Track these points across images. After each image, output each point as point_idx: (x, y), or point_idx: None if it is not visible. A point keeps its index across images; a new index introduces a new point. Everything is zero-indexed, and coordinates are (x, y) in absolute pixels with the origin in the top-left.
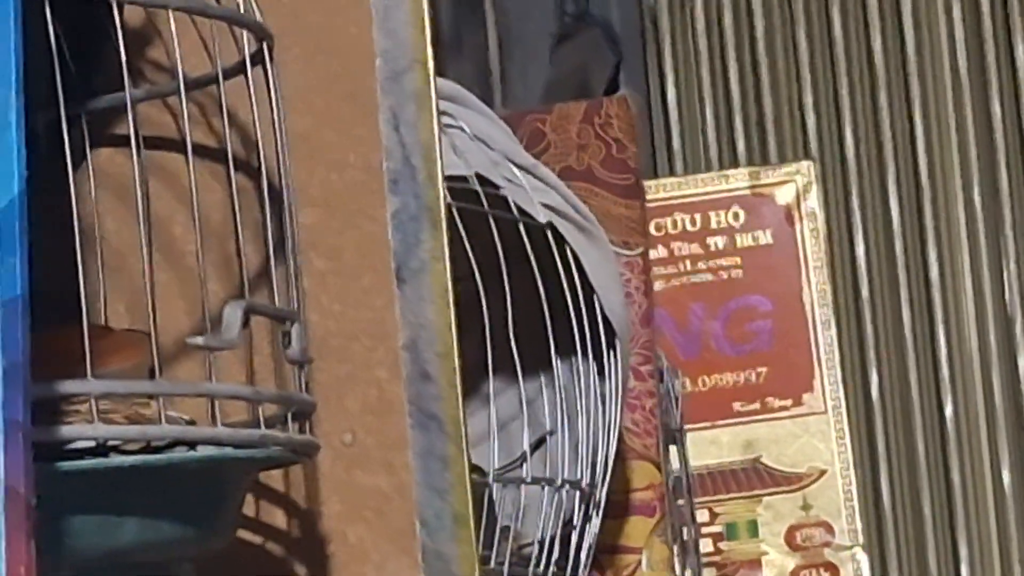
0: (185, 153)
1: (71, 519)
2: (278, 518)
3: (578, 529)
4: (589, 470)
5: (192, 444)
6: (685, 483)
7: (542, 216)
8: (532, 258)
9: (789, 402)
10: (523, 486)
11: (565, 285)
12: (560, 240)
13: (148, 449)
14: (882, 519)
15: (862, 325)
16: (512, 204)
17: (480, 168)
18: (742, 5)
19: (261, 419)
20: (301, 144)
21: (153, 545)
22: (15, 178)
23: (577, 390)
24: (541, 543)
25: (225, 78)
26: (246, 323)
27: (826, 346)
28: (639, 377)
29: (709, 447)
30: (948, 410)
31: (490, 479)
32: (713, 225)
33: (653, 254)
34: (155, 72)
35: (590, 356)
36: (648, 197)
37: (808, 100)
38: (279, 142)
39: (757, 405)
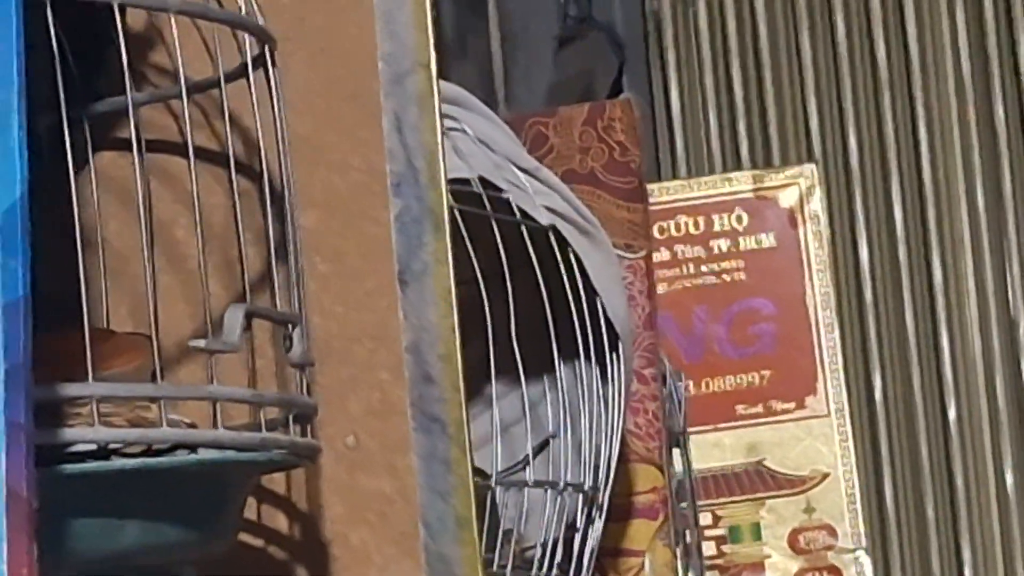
0: (187, 156)
1: (73, 522)
2: (280, 521)
3: (581, 532)
4: (592, 473)
5: (193, 447)
6: (688, 486)
7: (545, 219)
8: (535, 261)
9: (792, 405)
10: (526, 489)
11: (568, 288)
12: (563, 243)
13: (149, 452)
14: (885, 522)
15: (865, 328)
16: (515, 207)
17: (483, 171)
18: (745, 8)
19: (263, 422)
20: (304, 147)
21: (154, 548)
22: (17, 181)
23: (580, 393)
24: (544, 546)
25: (227, 81)
26: (248, 326)
27: (829, 349)
28: (642, 380)
29: (712, 450)
30: (951, 413)
31: (493, 482)
32: (716, 228)
33: (656, 257)
34: (157, 75)
35: (593, 359)
36: (651, 200)
37: (811, 103)
38: (281, 145)
39: (760, 408)
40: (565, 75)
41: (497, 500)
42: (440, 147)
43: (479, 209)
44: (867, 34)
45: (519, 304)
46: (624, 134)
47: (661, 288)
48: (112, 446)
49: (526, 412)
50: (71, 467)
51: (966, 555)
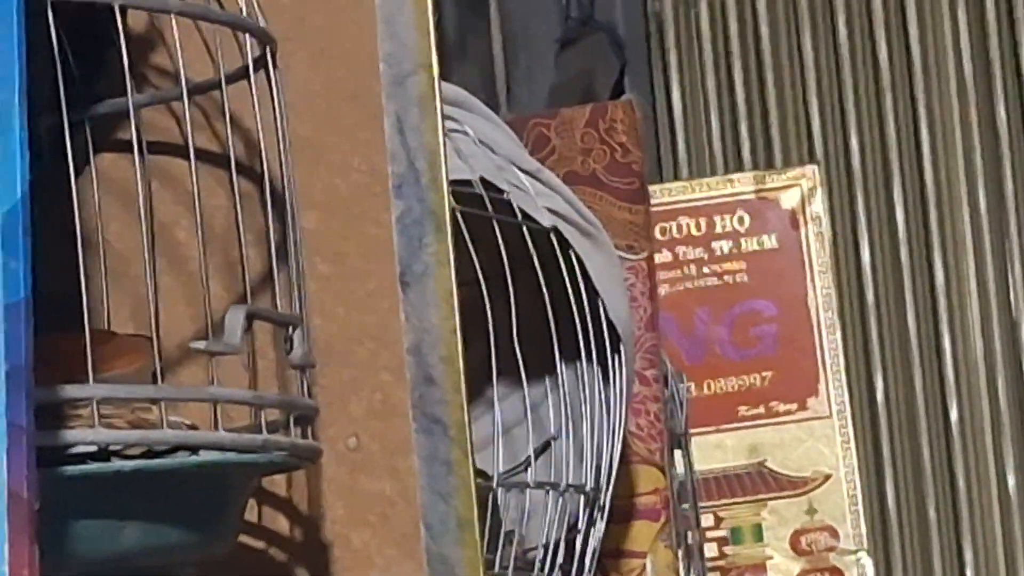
0: (188, 158)
1: (73, 523)
2: (281, 523)
3: (582, 534)
4: (593, 474)
5: (194, 449)
6: (690, 487)
7: (546, 220)
8: (536, 262)
9: (794, 406)
10: (527, 490)
11: (569, 290)
12: (564, 244)
13: (150, 454)
14: (887, 523)
15: (867, 329)
16: (516, 208)
17: (484, 172)
18: (747, 10)
19: (263, 424)
20: (305, 148)
21: (155, 550)
22: (18, 182)
23: (582, 394)
24: (545, 548)
25: (228, 83)
26: (248, 328)
27: (831, 350)
28: (644, 381)
29: (714, 451)
30: (953, 414)
31: (494, 483)
32: (718, 229)
33: (658, 258)
34: (158, 77)
35: (595, 360)
36: (653, 201)
37: (813, 104)
38: (282, 146)
39: (762, 409)
40: (567, 76)
41: (499, 501)
42: (442, 148)
43: (481, 211)
44: (869, 35)
45: (521, 306)
46: (626, 135)
47: (663, 289)
48: (113, 448)
49: (527, 413)
50: (72, 468)
51: (968, 556)
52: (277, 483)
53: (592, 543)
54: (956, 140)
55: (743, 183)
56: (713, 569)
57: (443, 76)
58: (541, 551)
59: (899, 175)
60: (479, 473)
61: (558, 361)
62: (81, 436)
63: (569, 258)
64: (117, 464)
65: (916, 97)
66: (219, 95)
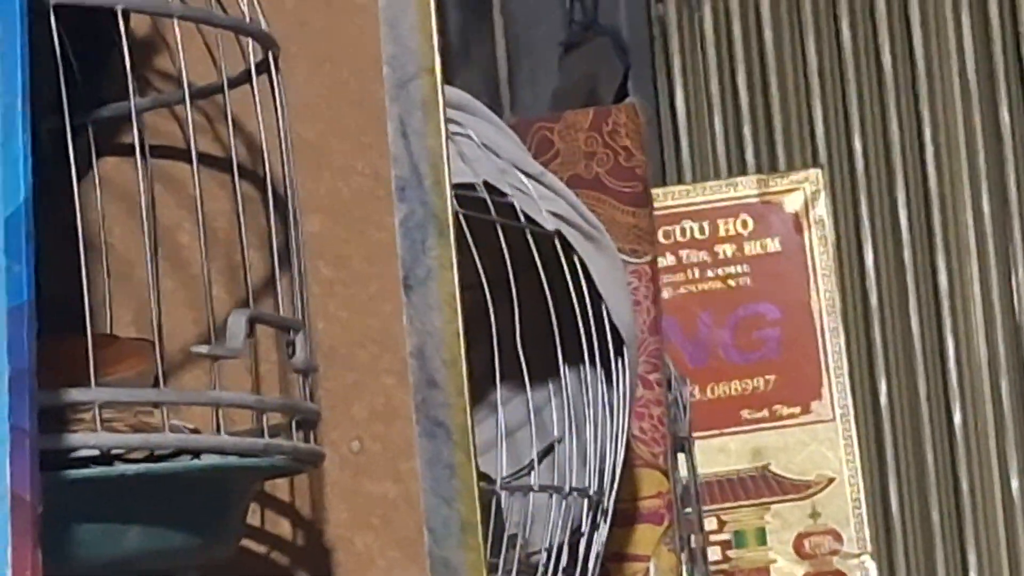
0: (191, 161)
1: (76, 527)
2: (284, 526)
3: (586, 537)
4: (597, 478)
5: (196, 453)
6: (693, 491)
7: (550, 224)
8: (540, 266)
9: (797, 410)
10: (531, 494)
11: (573, 293)
12: (568, 248)
13: (152, 457)
14: (891, 527)
15: (870, 333)
16: (520, 212)
17: (488, 176)
18: (751, 14)
19: (265, 428)
20: (308, 152)
21: (157, 553)
22: (21, 186)
23: (585, 398)
24: (549, 551)
25: (231, 87)
26: (251, 332)
27: (834, 354)
28: (647, 385)
29: (717, 455)
30: (957, 418)
31: (498, 487)
32: (721, 233)
33: (661, 262)
34: (161, 81)
35: (598, 364)
36: (656, 205)
37: (817, 108)
38: (284, 150)
39: (765, 413)
40: (570, 80)
41: (502, 505)
42: (445, 152)
43: (484, 214)
44: (872, 39)
45: (524, 309)
46: (629, 139)
47: (666, 293)
48: (115, 451)
49: (531, 417)
50: (75, 472)
51: (971, 560)
52: (280, 487)
53: (595, 547)
54: (960, 143)
55: (746, 187)
56: (716, 573)
57: (446, 80)
58: (544, 555)
59: (903, 178)
60: (482, 476)
61: (561, 364)
62: (84, 440)
63: (572, 262)
64: (119, 468)
65: (920, 100)
66: (221, 99)
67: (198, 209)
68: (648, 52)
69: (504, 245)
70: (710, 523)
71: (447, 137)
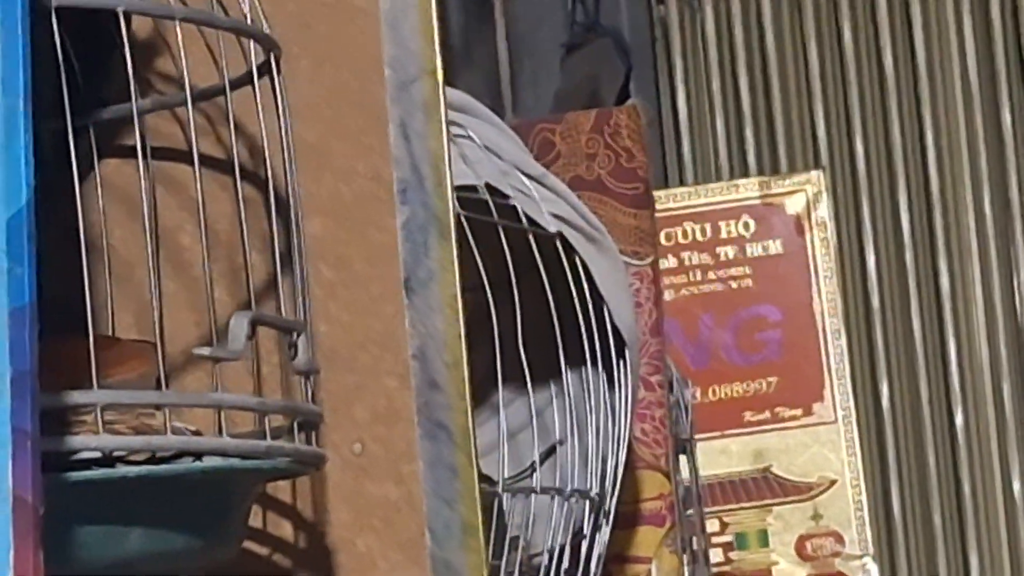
0: (192, 163)
1: (78, 529)
2: (286, 528)
3: (588, 539)
4: (599, 480)
5: (198, 455)
6: (695, 493)
7: (551, 226)
8: (541, 268)
9: (799, 412)
10: (533, 496)
11: (575, 295)
12: (569, 250)
13: (154, 459)
14: (892, 529)
15: (872, 335)
16: (521, 214)
17: (489, 178)
18: (752, 15)
19: (268, 430)
20: (310, 154)
21: (159, 555)
22: (23, 188)
23: (587, 400)
24: (551, 553)
25: (232, 89)
26: (252, 334)
27: (836, 356)
28: (649, 387)
29: (719, 457)
30: (959, 420)
31: (500, 489)
32: (723, 235)
33: (663, 264)
34: (163, 83)
35: (600, 366)
36: (658, 207)
37: (818, 110)
38: (286, 152)
39: (767, 415)
40: (572, 82)
41: (504, 507)
42: (446, 154)
43: (486, 216)
44: (874, 41)
45: (526, 311)
46: (631, 140)
47: (668, 295)
48: (117, 453)
49: (533, 419)
50: (76, 474)
51: (973, 562)
52: (282, 488)
53: (597, 548)
54: (961, 146)
55: (748, 188)
56: (718, 574)
57: (448, 81)
58: (546, 556)
59: (904, 180)
60: (484, 478)
61: (563, 366)
62: (85, 442)
63: (574, 263)
64: (121, 470)
65: (921, 102)
66: (223, 101)
67: (200, 211)
68: (650, 54)
69: (506, 247)
70: (712, 525)
71: (449, 139)
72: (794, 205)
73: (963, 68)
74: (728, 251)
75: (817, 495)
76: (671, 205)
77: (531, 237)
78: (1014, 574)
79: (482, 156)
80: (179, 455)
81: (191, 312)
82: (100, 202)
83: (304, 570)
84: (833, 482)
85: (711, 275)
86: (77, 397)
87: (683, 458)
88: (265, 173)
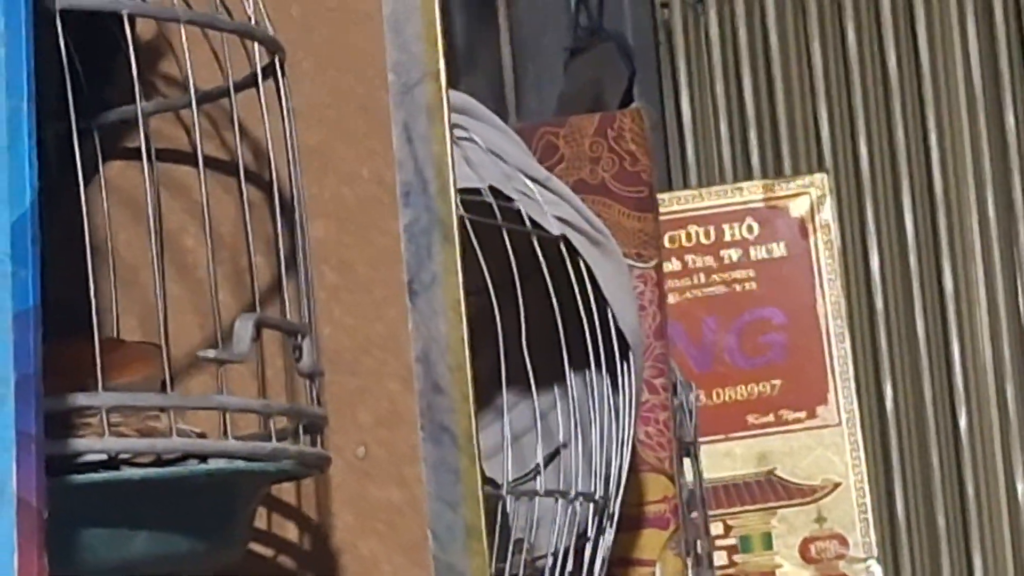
0: (197, 166)
1: (82, 532)
2: (290, 531)
3: (592, 542)
4: (603, 483)
5: (203, 457)
6: (699, 496)
7: (555, 229)
8: (545, 271)
9: (803, 414)
10: (537, 499)
11: (578, 298)
12: (573, 253)
13: (159, 462)
14: (896, 531)
15: (876, 337)
16: (525, 217)
17: (493, 181)
18: (756, 18)
19: (272, 432)
20: (313, 157)
21: (164, 558)
22: (27, 190)
23: (591, 403)
24: (555, 556)
25: (236, 91)
26: (257, 336)
27: (840, 358)
28: (652, 390)
29: (723, 460)
30: (962, 422)
31: (504, 492)
32: (727, 238)
33: (667, 267)
34: (167, 85)
35: (604, 369)
36: (662, 210)
37: (822, 112)
38: (291, 155)
39: (771, 418)
40: (576, 85)
41: (508, 510)
42: (449, 157)
43: (489, 219)
44: (878, 43)
45: (529, 314)
46: (635, 144)
47: (671, 298)
48: (121, 456)
49: (537, 422)
50: (81, 477)
51: (977, 564)
52: (286, 491)
53: (601, 551)
54: (965, 147)
55: (752, 191)
56: None
57: (452, 84)
58: (550, 559)
59: (908, 183)
60: (488, 481)
61: (567, 369)
62: (90, 445)
63: (578, 266)
64: (126, 473)
65: (925, 104)
66: (227, 103)
67: (204, 214)
68: (654, 57)
69: (510, 250)
70: (716, 528)
71: (452, 142)
72: (798, 208)
73: (967, 70)
74: (732, 254)
75: (821, 498)
76: (675, 208)
77: (535, 240)
78: (1018, 575)
79: (485, 159)
80: (184, 457)
81: (195, 315)
82: (105, 205)
83: (308, 573)
84: (837, 485)
85: (715, 278)
86: (82, 400)
87: (687, 461)
88: (269, 175)
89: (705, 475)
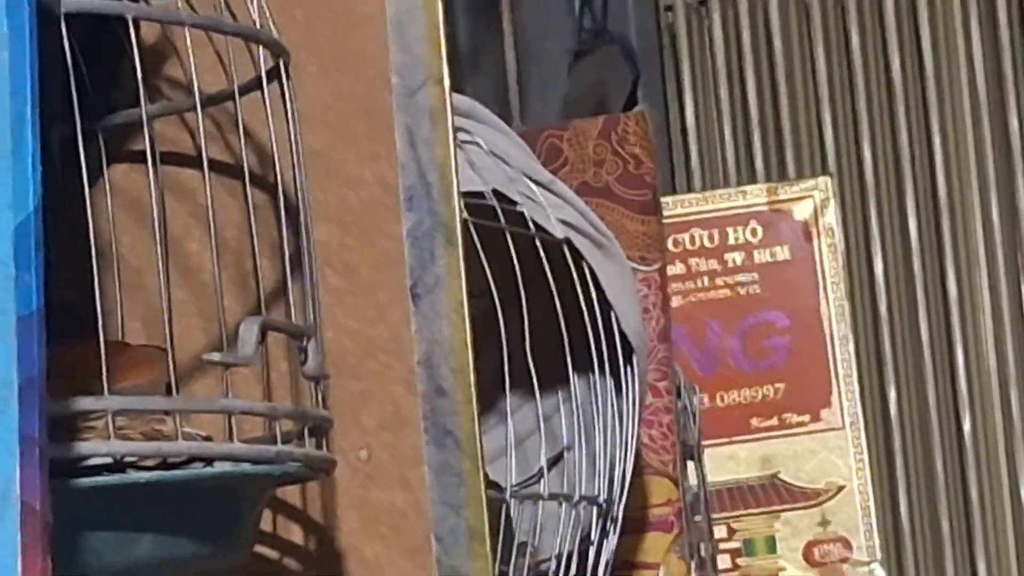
0: (201, 169)
1: (87, 535)
2: (295, 534)
3: (595, 545)
4: (606, 486)
5: (208, 460)
6: (703, 499)
7: (559, 232)
8: (549, 274)
9: (807, 418)
10: (540, 502)
11: (582, 301)
12: (577, 256)
13: (164, 465)
14: (900, 535)
15: (880, 341)
16: (529, 220)
17: (497, 184)
18: (760, 22)
19: (278, 435)
20: (317, 161)
21: (170, 561)
22: (31, 194)
23: (594, 406)
24: (558, 559)
25: (241, 94)
26: (262, 339)
27: (844, 362)
28: (656, 393)
29: (727, 463)
30: (966, 426)
31: (507, 495)
32: (731, 241)
33: (671, 270)
34: (171, 88)
35: (607, 372)
36: (666, 213)
37: (826, 116)
38: (295, 158)
39: (775, 421)
40: (580, 88)
41: (512, 513)
42: (453, 161)
43: (493, 222)
44: (882, 47)
45: (533, 317)
46: (638, 147)
47: (675, 301)
48: (127, 459)
49: (540, 425)
50: (86, 480)
51: (981, 567)
52: (291, 494)
53: (605, 554)
54: (969, 152)
55: (756, 195)
56: None
57: (456, 88)
58: (554, 562)
59: (912, 186)
60: (492, 484)
61: (571, 372)
62: (95, 448)
63: (582, 269)
64: (132, 476)
65: (929, 108)
66: (232, 107)
67: (209, 217)
68: (658, 60)
69: (513, 253)
70: (720, 531)
71: (455, 146)
72: (802, 211)
73: (971, 74)
74: (736, 257)
75: (825, 501)
76: (679, 211)
77: (538, 243)
78: None
79: (489, 162)
80: (189, 461)
81: (200, 318)
82: (109, 208)
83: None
84: (841, 488)
85: (719, 281)
86: (88, 403)
87: (691, 464)
88: (274, 178)
89: (709, 478)
